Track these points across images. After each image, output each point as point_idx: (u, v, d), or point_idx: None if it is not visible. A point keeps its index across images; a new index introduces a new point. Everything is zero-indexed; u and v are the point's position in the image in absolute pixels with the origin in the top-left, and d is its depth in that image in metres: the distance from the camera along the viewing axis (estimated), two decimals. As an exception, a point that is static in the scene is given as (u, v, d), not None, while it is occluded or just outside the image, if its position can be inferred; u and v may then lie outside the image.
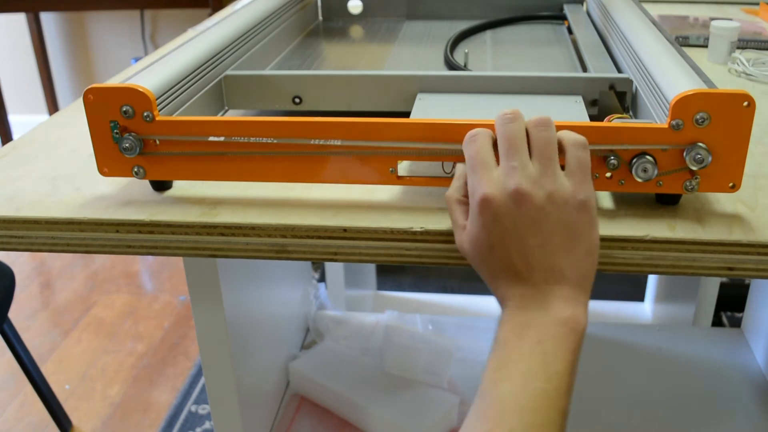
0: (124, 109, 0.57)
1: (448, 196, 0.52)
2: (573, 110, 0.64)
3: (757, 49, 1.00)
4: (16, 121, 2.83)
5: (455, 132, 0.55)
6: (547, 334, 0.46)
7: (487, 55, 0.86)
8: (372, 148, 0.56)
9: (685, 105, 0.52)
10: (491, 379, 0.45)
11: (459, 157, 0.56)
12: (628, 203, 0.59)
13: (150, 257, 2.20)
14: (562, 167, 0.49)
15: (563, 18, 1.01)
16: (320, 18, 1.09)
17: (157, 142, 0.58)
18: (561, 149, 0.50)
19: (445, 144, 0.55)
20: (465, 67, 0.79)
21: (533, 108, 0.65)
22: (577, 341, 0.47)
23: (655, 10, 1.21)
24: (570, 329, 0.47)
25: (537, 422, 0.43)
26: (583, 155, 0.49)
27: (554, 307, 0.47)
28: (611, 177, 0.55)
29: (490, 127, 0.53)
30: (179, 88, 0.63)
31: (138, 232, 0.59)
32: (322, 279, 1.78)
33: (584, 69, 0.78)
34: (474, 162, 0.49)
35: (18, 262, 2.21)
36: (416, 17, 1.07)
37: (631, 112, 0.68)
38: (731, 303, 1.56)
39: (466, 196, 0.51)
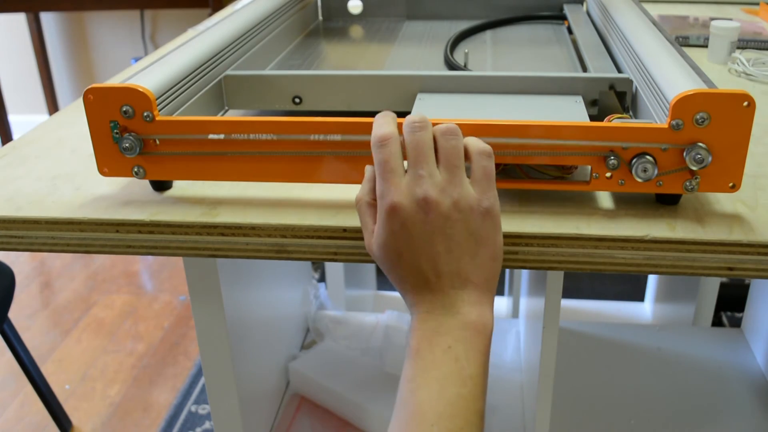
0: (124, 109, 0.57)
1: (358, 198, 0.53)
2: (573, 110, 0.64)
3: (757, 49, 1.00)
4: (16, 121, 2.83)
5: (455, 132, 0.55)
6: (457, 338, 0.48)
7: (487, 55, 0.86)
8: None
9: (685, 105, 0.52)
10: (408, 389, 0.47)
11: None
12: (628, 203, 0.59)
13: (150, 257, 2.20)
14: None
15: (563, 18, 1.01)
16: (320, 18, 1.09)
17: (157, 142, 0.58)
18: (467, 157, 0.51)
19: (445, 144, 0.55)
20: (465, 67, 0.79)
21: (533, 108, 0.65)
22: (486, 343, 0.49)
23: (655, 10, 1.21)
24: (478, 332, 0.48)
25: (456, 427, 0.44)
26: (488, 164, 0.50)
27: (462, 311, 0.48)
28: (611, 177, 0.55)
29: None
30: (179, 88, 0.63)
31: (138, 232, 0.59)
32: (322, 279, 1.78)
33: (584, 69, 0.78)
34: (383, 168, 0.49)
35: (18, 262, 2.21)
36: (416, 17, 1.07)
37: (631, 112, 0.68)
38: (731, 303, 1.56)
39: (375, 199, 0.51)
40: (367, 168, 0.54)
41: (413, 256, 0.49)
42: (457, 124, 0.55)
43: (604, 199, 0.60)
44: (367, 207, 0.52)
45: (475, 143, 0.51)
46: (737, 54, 0.93)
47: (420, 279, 0.49)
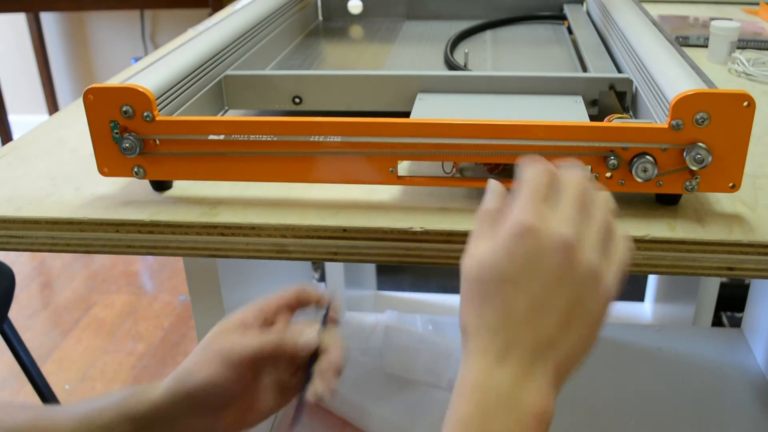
0: (124, 109, 0.57)
1: (486, 209, 0.45)
2: (573, 110, 0.64)
3: (757, 49, 1.00)
4: (16, 121, 2.83)
5: (455, 132, 0.55)
6: (518, 424, 0.40)
7: (487, 55, 0.86)
8: (372, 148, 0.57)
9: (685, 105, 0.52)
10: None
11: (458, 156, 0.56)
12: (628, 203, 0.59)
13: (150, 257, 2.20)
14: None
15: (563, 18, 1.01)
16: (320, 18, 1.09)
17: (157, 142, 0.58)
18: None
19: (445, 144, 0.55)
20: (465, 67, 0.79)
21: (533, 108, 0.65)
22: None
23: (655, 10, 1.21)
24: (540, 422, 0.41)
25: None
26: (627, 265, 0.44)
27: (530, 390, 0.41)
28: (611, 177, 0.55)
29: (493, 129, 0.53)
30: (179, 88, 0.63)
31: (138, 232, 0.59)
32: (322, 279, 1.78)
33: (584, 69, 0.78)
34: (532, 187, 0.43)
35: (18, 262, 2.21)
36: (416, 17, 1.07)
37: (631, 112, 0.68)
38: (731, 303, 1.56)
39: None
40: (493, 181, 0.47)
41: (515, 291, 0.41)
42: (456, 124, 0.55)
43: (604, 199, 0.60)
44: (489, 218, 0.44)
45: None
46: (737, 54, 0.93)
47: (505, 319, 0.41)
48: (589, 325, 0.42)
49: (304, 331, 0.54)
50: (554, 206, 0.42)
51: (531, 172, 0.44)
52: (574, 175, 0.44)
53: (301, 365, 0.56)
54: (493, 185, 0.46)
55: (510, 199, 0.44)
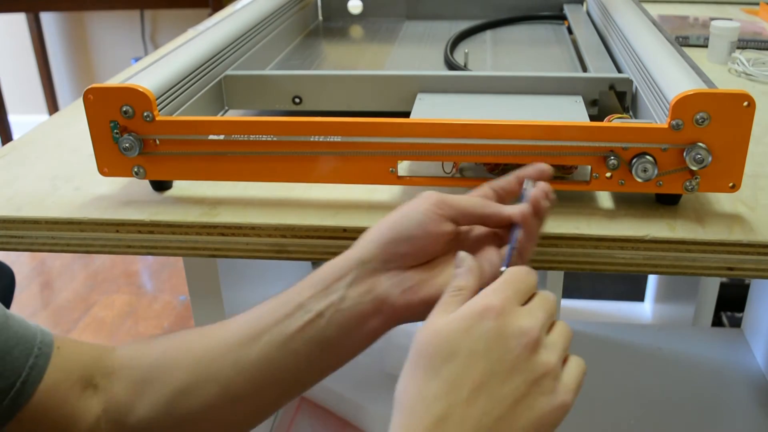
0: (124, 109, 0.57)
1: (456, 285, 0.44)
2: (573, 110, 0.64)
3: (757, 49, 1.00)
4: (16, 121, 2.83)
5: (455, 132, 0.55)
6: None
7: (487, 55, 0.86)
8: (372, 148, 0.57)
9: (685, 105, 0.52)
10: None
11: (458, 156, 0.56)
12: (628, 203, 0.59)
13: (150, 257, 2.20)
14: None
15: (563, 18, 1.01)
16: (320, 18, 1.09)
17: (157, 142, 0.58)
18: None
19: (445, 144, 0.55)
20: (465, 67, 0.79)
21: (533, 108, 0.65)
22: None
23: (655, 10, 1.21)
24: None
25: None
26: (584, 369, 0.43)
27: None
28: (611, 177, 0.55)
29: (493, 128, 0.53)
30: (179, 88, 0.63)
31: (138, 232, 0.59)
32: (322, 279, 1.77)
33: (584, 69, 0.78)
34: (513, 279, 0.42)
35: (18, 262, 2.21)
36: (416, 17, 1.07)
37: (631, 112, 0.68)
38: (731, 303, 1.56)
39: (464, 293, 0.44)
40: (464, 254, 0.46)
41: (464, 368, 0.39)
42: (456, 124, 0.55)
43: (604, 199, 0.60)
44: (457, 295, 0.43)
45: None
46: (737, 54, 0.93)
47: (451, 399, 0.38)
48: (533, 427, 0.39)
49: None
50: (524, 304, 0.42)
51: (515, 269, 0.43)
52: (552, 296, 0.43)
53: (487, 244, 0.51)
54: (465, 259, 0.45)
55: (481, 279, 0.44)
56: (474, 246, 0.50)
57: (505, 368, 0.39)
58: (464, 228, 0.51)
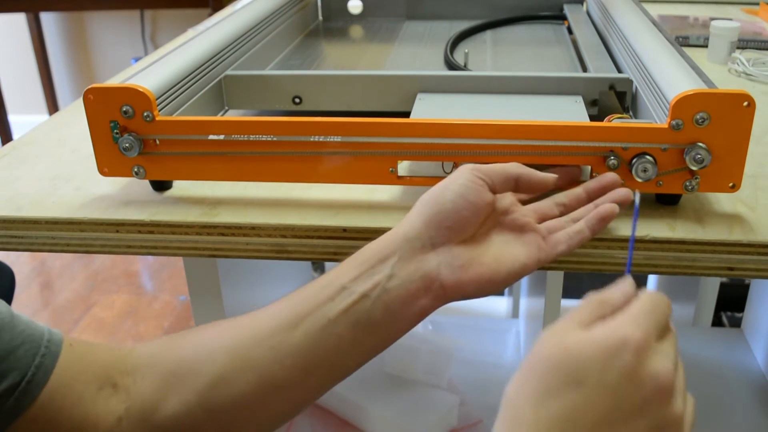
0: (124, 109, 0.57)
1: (605, 298, 0.41)
2: (573, 110, 0.64)
3: (757, 49, 1.00)
4: (16, 121, 2.83)
5: (455, 132, 0.55)
6: None
7: (487, 55, 0.86)
8: (372, 148, 0.57)
9: (685, 105, 0.52)
10: None
11: (458, 156, 0.56)
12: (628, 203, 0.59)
13: (150, 257, 2.20)
14: None
15: (563, 18, 1.01)
16: (320, 18, 1.09)
17: (157, 142, 0.58)
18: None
19: (445, 144, 0.55)
20: (465, 67, 0.79)
21: (533, 108, 0.65)
22: None
23: (655, 10, 1.21)
24: None
25: None
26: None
27: None
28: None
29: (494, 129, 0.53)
30: (179, 88, 0.63)
31: (138, 232, 0.59)
32: (322, 279, 1.77)
33: (584, 69, 0.78)
34: (654, 310, 0.39)
35: (18, 262, 2.21)
36: (416, 17, 1.07)
37: (631, 112, 0.68)
38: (731, 303, 1.56)
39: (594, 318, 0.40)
40: (630, 282, 0.42)
41: (589, 404, 0.36)
42: (456, 124, 0.55)
43: (604, 199, 0.60)
44: (599, 308, 0.40)
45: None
46: (737, 54, 0.93)
47: (569, 428, 0.37)
48: None
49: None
50: (661, 341, 0.39)
51: (657, 297, 0.40)
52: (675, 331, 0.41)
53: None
54: (627, 282, 0.42)
55: (630, 304, 0.40)
56: (508, 215, 0.51)
57: (632, 408, 0.37)
58: (498, 204, 0.50)
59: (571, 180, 0.55)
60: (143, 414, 0.49)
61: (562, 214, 0.52)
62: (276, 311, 0.49)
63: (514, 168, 0.50)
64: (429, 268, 0.47)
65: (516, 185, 0.50)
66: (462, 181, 0.48)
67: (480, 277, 0.47)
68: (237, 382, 0.48)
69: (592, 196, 0.53)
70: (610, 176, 0.52)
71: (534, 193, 0.52)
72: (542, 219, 0.52)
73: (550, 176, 0.50)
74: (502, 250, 0.49)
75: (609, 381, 0.36)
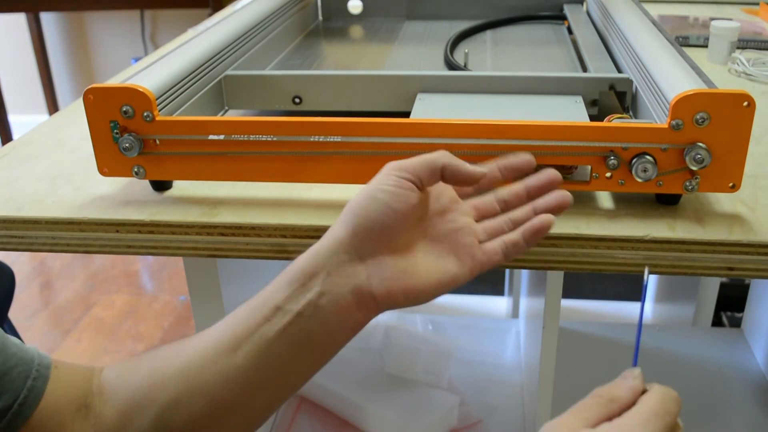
0: (124, 109, 0.57)
1: (610, 393, 0.41)
2: (573, 110, 0.64)
3: (757, 49, 1.00)
4: (16, 121, 2.83)
5: (455, 132, 0.55)
6: None
7: (487, 55, 0.86)
8: (372, 148, 0.56)
9: (685, 105, 0.52)
10: None
11: (458, 156, 0.56)
12: (628, 203, 0.59)
13: (150, 257, 2.20)
14: None
15: (563, 18, 1.01)
16: (320, 18, 1.09)
17: (157, 142, 0.58)
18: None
19: (445, 144, 0.55)
20: (465, 67, 0.79)
21: (533, 108, 0.65)
22: None
23: (655, 10, 1.21)
24: None
25: None
26: None
27: None
28: (611, 177, 0.55)
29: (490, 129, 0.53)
30: (179, 88, 0.63)
31: (138, 232, 0.59)
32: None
33: (584, 69, 0.78)
34: (664, 412, 0.39)
35: (18, 262, 2.21)
36: (416, 17, 1.07)
37: (631, 112, 0.68)
38: (731, 303, 1.56)
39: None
40: (639, 375, 0.42)
41: None
42: (456, 124, 0.55)
43: (604, 199, 0.60)
44: (606, 403, 0.40)
45: None
46: (737, 54, 0.93)
47: None
48: None
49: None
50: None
51: (668, 397, 0.40)
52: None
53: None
54: (636, 377, 0.42)
55: (639, 401, 0.40)
56: (444, 216, 0.49)
57: None
58: (433, 203, 0.49)
59: (520, 172, 0.50)
60: None
61: (503, 211, 0.50)
62: (218, 334, 0.49)
63: (440, 158, 0.47)
64: (359, 282, 0.46)
65: (442, 176, 0.47)
66: (386, 187, 0.46)
67: (410, 288, 0.46)
68: (188, 407, 0.48)
69: (531, 195, 0.50)
70: (550, 173, 0.49)
71: (461, 185, 0.49)
72: (482, 216, 0.50)
73: (477, 171, 0.47)
74: (434, 261, 0.48)
75: None
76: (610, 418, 0.38)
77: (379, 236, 0.46)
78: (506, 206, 0.50)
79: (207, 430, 0.48)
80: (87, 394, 0.50)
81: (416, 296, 0.47)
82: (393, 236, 0.46)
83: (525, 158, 0.49)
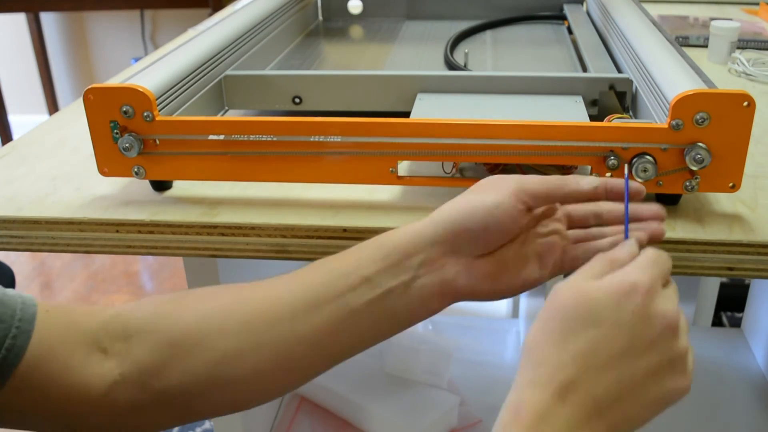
0: (124, 109, 0.57)
1: (613, 256, 0.44)
2: (573, 110, 0.64)
3: (757, 49, 1.00)
4: (16, 121, 2.83)
5: (455, 132, 0.55)
6: None
7: (487, 55, 0.86)
8: (372, 148, 0.57)
9: (685, 105, 0.52)
10: None
11: (458, 156, 0.56)
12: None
13: (150, 257, 2.20)
14: None
15: (563, 18, 1.01)
16: (320, 18, 1.09)
17: (157, 142, 0.58)
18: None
19: (445, 144, 0.55)
20: (465, 67, 0.79)
21: (533, 108, 0.65)
22: None
23: (655, 10, 1.21)
24: None
25: None
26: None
27: None
28: (611, 177, 0.55)
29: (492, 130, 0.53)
30: (179, 88, 0.63)
31: (138, 232, 0.59)
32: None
33: (584, 69, 0.78)
34: (658, 262, 0.43)
35: (18, 262, 2.21)
36: (416, 17, 1.07)
37: (631, 112, 0.68)
38: (731, 303, 1.56)
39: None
40: (635, 243, 0.45)
41: (605, 341, 0.40)
42: (456, 124, 0.55)
43: (604, 199, 0.60)
44: (608, 264, 0.43)
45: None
46: (737, 54, 0.93)
47: (584, 365, 0.40)
48: (654, 403, 0.42)
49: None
50: (665, 287, 0.43)
51: (659, 252, 0.44)
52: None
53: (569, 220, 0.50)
54: (630, 244, 0.45)
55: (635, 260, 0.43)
56: (539, 221, 0.50)
57: (644, 344, 0.41)
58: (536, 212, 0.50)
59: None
60: (141, 379, 0.48)
61: (596, 225, 0.51)
62: (293, 290, 0.49)
63: (558, 188, 0.48)
64: (448, 276, 0.47)
65: (563, 201, 0.49)
66: (499, 201, 0.46)
67: (494, 290, 0.48)
68: (251, 359, 0.48)
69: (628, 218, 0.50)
70: (656, 208, 0.48)
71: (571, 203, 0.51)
72: (574, 225, 0.51)
73: (589, 189, 0.48)
74: (521, 264, 0.49)
75: (623, 320, 0.40)
76: (612, 272, 0.42)
77: (478, 242, 0.47)
78: (599, 221, 0.51)
79: (266, 380, 0.49)
80: (100, 337, 0.49)
81: (499, 295, 0.49)
82: (490, 245, 0.48)
83: (636, 187, 0.49)
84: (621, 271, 0.42)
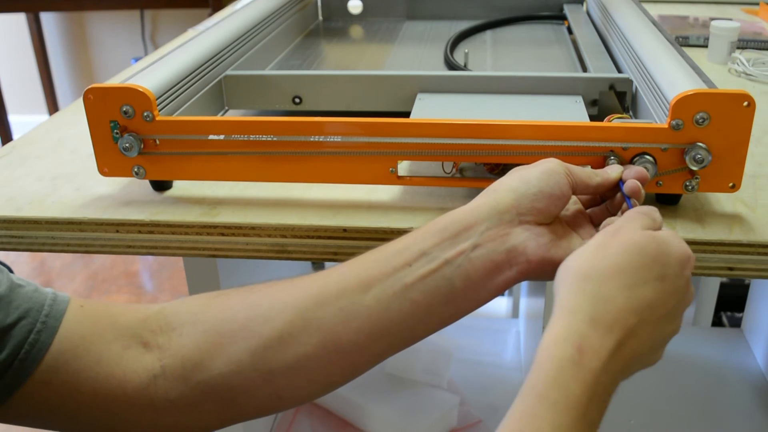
0: (124, 109, 0.57)
1: (608, 229, 0.45)
2: (573, 110, 0.64)
3: (757, 49, 1.00)
4: (16, 121, 2.83)
5: (455, 132, 0.55)
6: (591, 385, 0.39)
7: (487, 55, 0.86)
8: (372, 148, 0.57)
9: (685, 105, 0.52)
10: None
11: (458, 156, 0.56)
12: (628, 203, 0.59)
13: (150, 257, 2.20)
14: None
15: (563, 18, 1.01)
16: (320, 18, 1.09)
17: (157, 142, 0.58)
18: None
19: (445, 144, 0.55)
20: (465, 67, 0.79)
21: (533, 108, 0.65)
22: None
23: (655, 10, 1.21)
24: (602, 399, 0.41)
25: None
26: None
27: (609, 363, 0.40)
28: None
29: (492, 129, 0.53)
30: (179, 88, 0.63)
31: (138, 232, 0.59)
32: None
33: (584, 69, 0.78)
34: (645, 212, 0.46)
35: (18, 262, 2.21)
36: (416, 17, 1.07)
37: (631, 112, 0.68)
38: (731, 303, 1.56)
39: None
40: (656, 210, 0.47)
41: (665, 295, 0.42)
42: (456, 124, 0.55)
43: (604, 199, 0.60)
44: (609, 232, 0.44)
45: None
46: (737, 54, 0.93)
47: (640, 317, 0.41)
48: (664, 342, 0.45)
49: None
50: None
51: (650, 207, 0.46)
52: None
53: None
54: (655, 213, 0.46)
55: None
56: (572, 219, 0.51)
57: (679, 312, 0.44)
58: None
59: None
60: (183, 371, 0.47)
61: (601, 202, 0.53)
62: (344, 272, 0.47)
63: (592, 178, 0.50)
64: (516, 242, 0.46)
65: (593, 192, 0.51)
66: (550, 169, 0.48)
67: (559, 259, 0.46)
68: (297, 343, 0.46)
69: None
70: (640, 170, 0.51)
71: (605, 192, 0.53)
72: (585, 206, 0.53)
73: (609, 181, 0.51)
74: (570, 238, 0.49)
75: (679, 286, 0.43)
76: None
77: (541, 207, 0.47)
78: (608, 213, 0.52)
79: (312, 369, 0.46)
80: (140, 332, 0.48)
81: (556, 270, 0.47)
82: (551, 210, 0.47)
83: (638, 171, 0.51)
84: (677, 238, 0.44)
